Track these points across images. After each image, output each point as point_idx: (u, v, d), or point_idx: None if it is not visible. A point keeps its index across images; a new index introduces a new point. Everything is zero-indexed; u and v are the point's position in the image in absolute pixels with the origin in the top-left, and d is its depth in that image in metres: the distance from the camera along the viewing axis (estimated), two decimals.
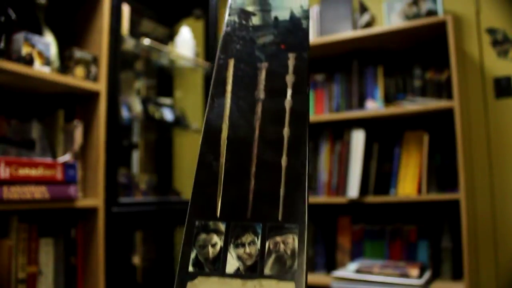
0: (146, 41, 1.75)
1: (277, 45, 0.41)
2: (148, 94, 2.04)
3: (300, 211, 0.34)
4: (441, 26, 1.71)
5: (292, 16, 0.43)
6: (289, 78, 0.39)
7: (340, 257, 1.94)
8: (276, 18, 0.43)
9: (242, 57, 0.41)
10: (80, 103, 1.54)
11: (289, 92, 0.38)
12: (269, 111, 0.38)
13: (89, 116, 1.52)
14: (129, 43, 1.75)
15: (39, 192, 1.23)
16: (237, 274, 0.33)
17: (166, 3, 2.07)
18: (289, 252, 0.32)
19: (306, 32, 0.42)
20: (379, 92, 1.91)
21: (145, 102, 1.85)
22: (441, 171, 1.79)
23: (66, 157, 1.43)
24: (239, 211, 0.35)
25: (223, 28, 0.43)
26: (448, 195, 1.67)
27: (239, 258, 0.33)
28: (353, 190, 1.81)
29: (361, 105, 1.93)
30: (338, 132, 1.95)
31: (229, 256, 0.33)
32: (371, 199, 1.81)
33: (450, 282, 1.67)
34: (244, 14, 0.44)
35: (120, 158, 1.70)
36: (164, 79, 2.14)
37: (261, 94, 0.39)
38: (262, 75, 0.40)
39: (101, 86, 1.51)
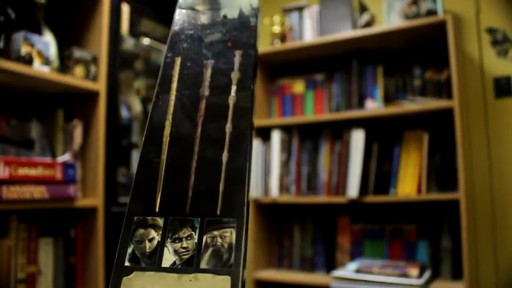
0: (146, 41, 1.75)
1: (224, 43, 0.41)
2: (148, 94, 2.04)
3: (239, 205, 0.33)
4: (441, 26, 1.71)
5: (241, 14, 0.43)
6: (234, 75, 0.39)
7: (340, 257, 1.94)
8: (225, 16, 0.43)
9: (189, 55, 0.41)
10: (79, 103, 1.53)
11: (233, 88, 0.39)
12: (213, 108, 0.38)
13: (88, 115, 1.52)
14: (128, 43, 1.74)
15: (38, 192, 1.23)
16: (173, 269, 0.32)
17: (165, 2, 2.07)
18: (226, 246, 0.32)
19: (254, 29, 0.42)
20: (379, 92, 1.91)
21: (144, 101, 1.85)
22: (441, 171, 1.79)
23: (65, 157, 1.43)
24: (178, 206, 0.34)
25: (172, 27, 0.44)
26: (448, 194, 1.67)
27: (176, 252, 0.33)
28: (352, 189, 1.81)
29: (360, 104, 1.93)
30: (338, 131, 1.95)
31: (165, 250, 0.33)
32: (370, 198, 1.81)
33: (450, 282, 1.67)
34: (193, 13, 0.44)
35: (119, 158, 1.70)
36: None
37: (206, 91, 0.39)
38: (208, 73, 0.40)
39: (101, 86, 1.51)
